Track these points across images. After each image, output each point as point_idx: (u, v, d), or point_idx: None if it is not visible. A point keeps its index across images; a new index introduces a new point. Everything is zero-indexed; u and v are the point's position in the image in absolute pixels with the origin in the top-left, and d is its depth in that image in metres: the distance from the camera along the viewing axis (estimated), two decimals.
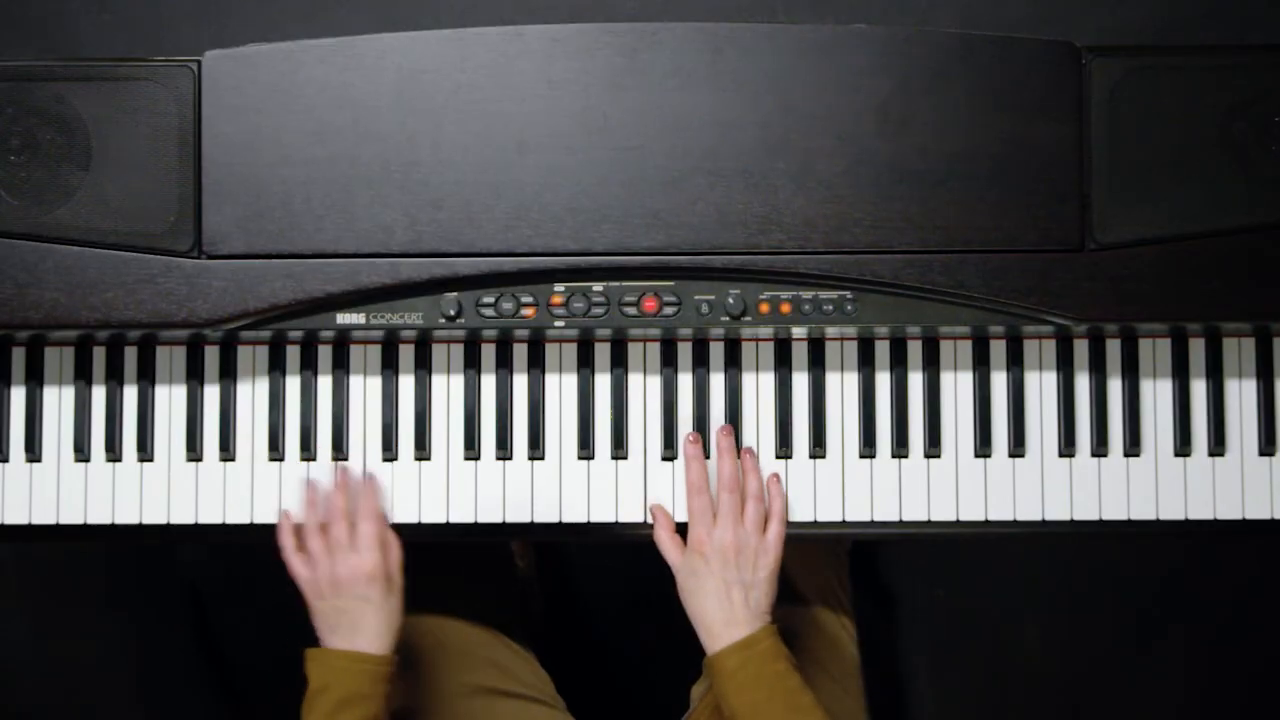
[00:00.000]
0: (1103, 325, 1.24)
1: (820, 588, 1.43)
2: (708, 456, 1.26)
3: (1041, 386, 1.29)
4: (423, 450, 1.28)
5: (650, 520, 1.26)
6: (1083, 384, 1.29)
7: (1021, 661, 1.98)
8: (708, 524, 1.20)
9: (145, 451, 1.28)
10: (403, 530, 1.26)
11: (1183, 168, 1.19)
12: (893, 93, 1.19)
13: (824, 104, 1.19)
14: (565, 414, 1.28)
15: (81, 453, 1.28)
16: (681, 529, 1.24)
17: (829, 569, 1.46)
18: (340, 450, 1.27)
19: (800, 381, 1.28)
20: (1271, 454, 1.28)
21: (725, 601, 1.17)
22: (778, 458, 1.28)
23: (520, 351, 1.29)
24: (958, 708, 1.99)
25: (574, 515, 1.28)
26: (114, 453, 1.28)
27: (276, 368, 1.28)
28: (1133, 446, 1.28)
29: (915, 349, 1.29)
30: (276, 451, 1.28)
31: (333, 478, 1.25)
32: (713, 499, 1.22)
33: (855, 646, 1.42)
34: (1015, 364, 1.28)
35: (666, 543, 1.22)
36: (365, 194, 1.19)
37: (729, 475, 1.22)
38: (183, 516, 1.27)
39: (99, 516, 1.27)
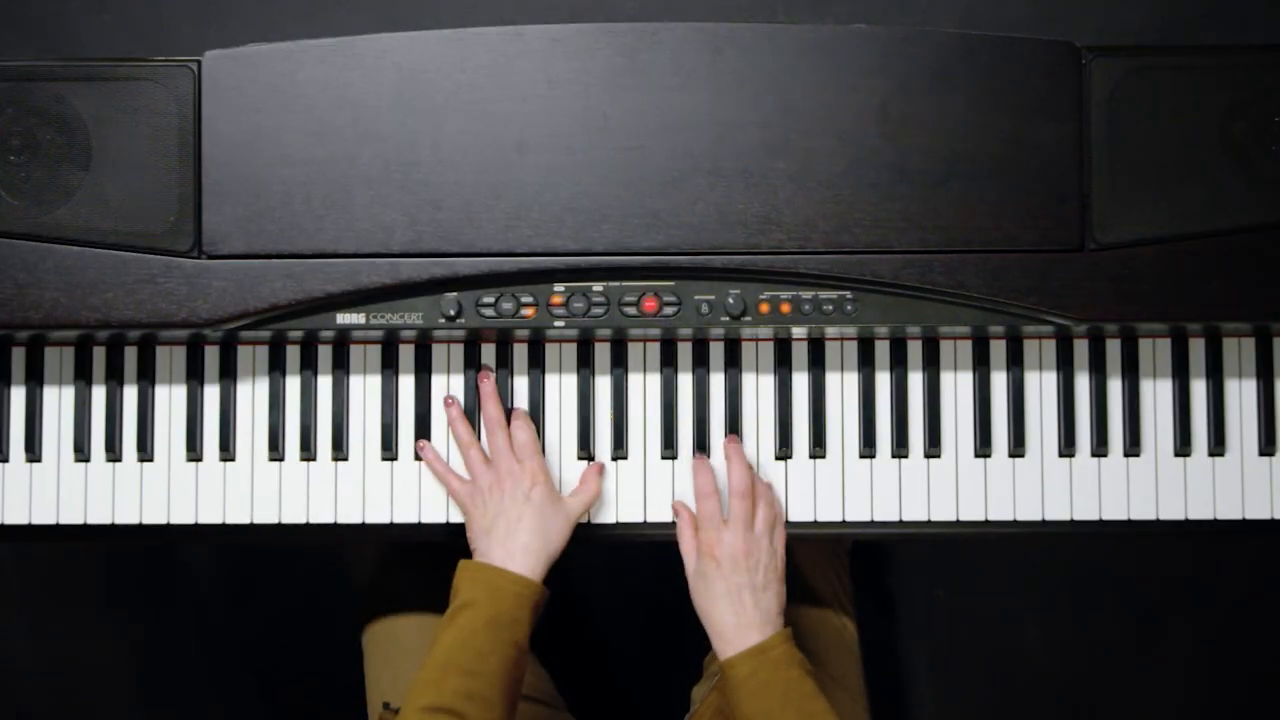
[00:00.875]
0: (1103, 325, 1.24)
1: (821, 588, 1.43)
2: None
3: (1041, 386, 1.29)
4: None
5: (647, 519, 1.26)
6: (1083, 384, 1.29)
7: (1021, 661, 1.98)
8: (718, 528, 1.20)
9: (145, 451, 1.28)
10: (403, 530, 1.26)
11: (1183, 168, 1.19)
12: (893, 93, 1.19)
13: (824, 104, 1.19)
14: (565, 414, 1.28)
15: (81, 453, 1.28)
16: None
17: (829, 569, 1.46)
18: (340, 450, 1.27)
19: (800, 381, 1.28)
20: (1271, 454, 1.28)
21: (737, 605, 1.16)
22: (778, 458, 1.28)
23: (520, 351, 1.29)
24: (958, 708, 1.99)
25: None
26: (114, 453, 1.28)
27: (276, 368, 1.28)
28: (1133, 446, 1.28)
29: (915, 349, 1.29)
30: (276, 451, 1.28)
31: (481, 389, 1.25)
32: (721, 503, 1.22)
33: (856, 647, 1.42)
34: (1015, 364, 1.28)
35: (688, 543, 1.22)
36: (365, 194, 1.19)
37: (741, 481, 1.22)
38: (183, 516, 1.27)
39: (99, 516, 1.27)
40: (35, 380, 1.28)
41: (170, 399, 1.29)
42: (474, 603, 1.14)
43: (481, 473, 1.22)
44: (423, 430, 1.28)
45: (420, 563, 1.42)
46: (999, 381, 1.29)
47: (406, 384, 1.28)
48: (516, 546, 1.17)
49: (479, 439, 1.26)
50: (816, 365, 1.28)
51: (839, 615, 1.42)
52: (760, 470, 1.27)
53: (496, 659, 1.11)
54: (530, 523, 1.19)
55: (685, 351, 1.29)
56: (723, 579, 1.17)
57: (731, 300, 1.21)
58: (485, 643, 1.11)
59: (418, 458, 1.27)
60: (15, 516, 1.27)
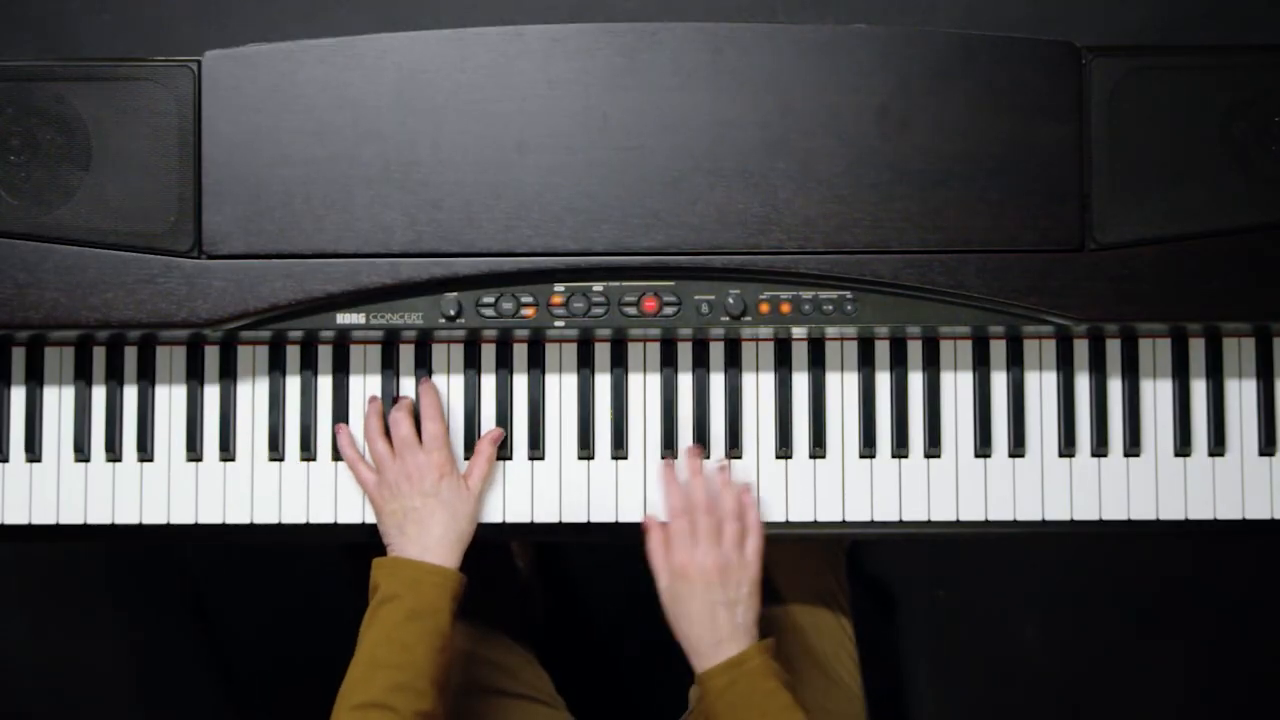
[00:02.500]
0: (1103, 325, 1.24)
1: (818, 589, 1.43)
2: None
3: (1041, 386, 1.29)
4: None
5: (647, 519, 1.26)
6: (1083, 384, 1.29)
7: (1021, 661, 1.98)
8: (689, 546, 1.19)
9: (145, 451, 1.28)
10: None
11: (1183, 168, 1.19)
12: (893, 93, 1.19)
13: (824, 104, 1.19)
14: (565, 414, 1.28)
15: (81, 453, 1.28)
16: None
17: (827, 570, 1.46)
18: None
19: (800, 381, 1.28)
20: (1271, 454, 1.28)
21: (712, 622, 1.16)
22: (778, 458, 1.28)
23: (520, 351, 1.29)
24: (958, 708, 1.99)
25: (574, 515, 1.28)
26: (114, 453, 1.28)
27: (276, 368, 1.29)
28: (1133, 446, 1.28)
29: (915, 349, 1.29)
30: (276, 451, 1.28)
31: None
32: (692, 521, 1.20)
33: (854, 646, 1.42)
34: (1015, 364, 1.28)
35: (660, 559, 1.20)
36: (365, 194, 1.19)
37: (703, 498, 1.21)
38: (183, 516, 1.27)
39: (99, 516, 1.27)
40: (35, 380, 1.28)
41: (170, 399, 1.29)
42: (395, 597, 1.15)
43: (388, 465, 1.22)
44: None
45: None
46: (999, 381, 1.29)
47: (407, 384, 1.28)
48: (431, 541, 1.19)
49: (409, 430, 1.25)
50: (816, 365, 1.28)
51: (835, 614, 1.42)
52: (760, 470, 1.27)
53: (422, 650, 1.12)
54: (441, 515, 1.20)
55: (685, 351, 1.29)
56: (696, 598, 1.17)
57: (731, 300, 1.21)
58: (409, 635, 1.13)
59: None
60: (15, 516, 1.27)
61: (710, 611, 1.16)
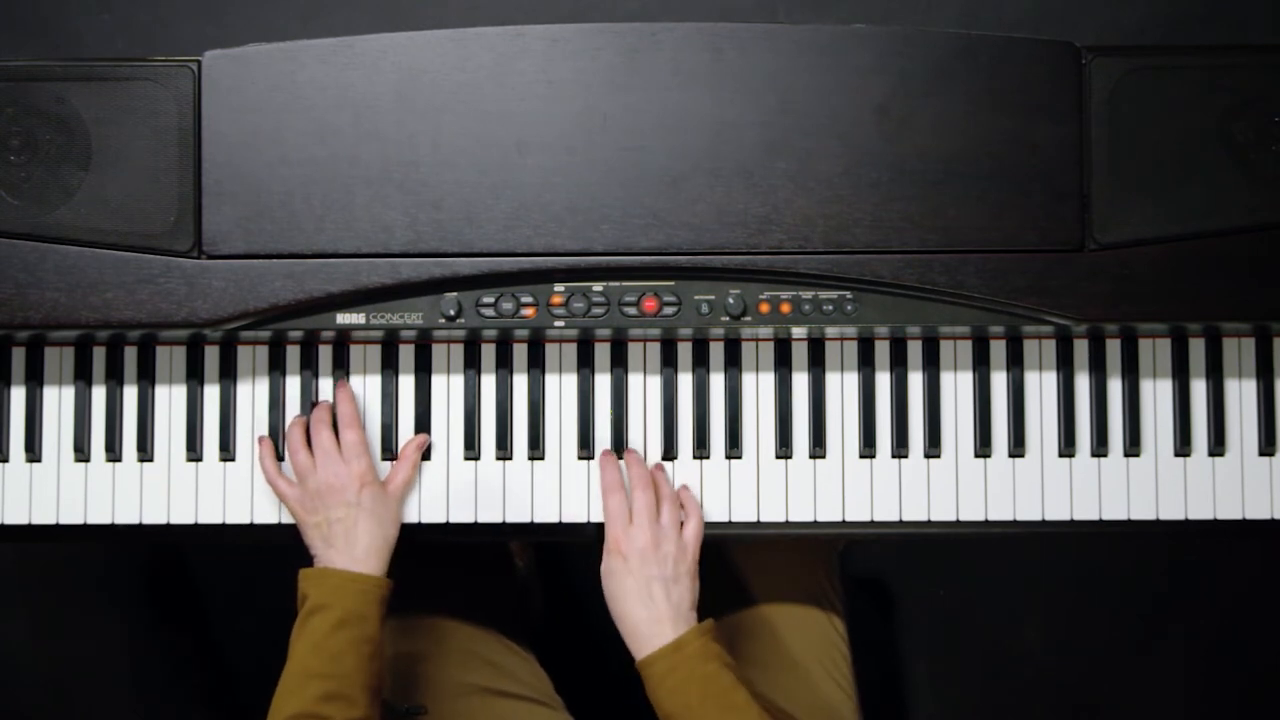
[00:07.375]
0: (1103, 325, 1.24)
1: (806, 588, 1.42)
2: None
3: (1041, 386, 1.29)
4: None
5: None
6: (1083, 384, 1.29)
7: (1021, 661, 1.98)
8: (624, 523, 1.20)
9: (145, 451, 1.28)
10: (403, 530, 1.26)
11: (1183, 168, 1.19)
12: (893, 93, 1.19)
13: (824, 104, 1.19)
14: (565, 414, 1.28)
15: (81, 453, 1.28)
16: None
17: (817, 569, 1.46)
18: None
19: (800, 381, 1.28)
20: (1271, 454, 1.28)
21: (647, 600, 1.17)
22: (778, 458, 1.28)
23: (520, 351, 1.29)
24: (958, 708, 1.99)
25: (574, 515, 1.28)
26: (114, 453, 1.28)
27: (276, 368, 1.29)
28: (1133, 446, 1.28)
29: (915, 349, 1.29)
30: (277, 452, 1.27)
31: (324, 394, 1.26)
32: (628, 499, 1.22)
33: (846, 646, 1.42)
34: (1015, 364, 1.28)
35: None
36: (365, 194, 1.19)
37: (640, 475, 1.22)
38: (183, 516, 1.27)
39: (99, 516, 1.27)
40: (35, 380, 1.28)
41: (170, 399, 1.29)
42: (323, 607, 1.15)
43: (309, 477, 1.22)
44: (423, 430, 1.28)
45: (427, 563, 1.42)
46: (999, 381, 1.29)
47: (406, 384, 1.28)
48: (360, 551, 1.19)
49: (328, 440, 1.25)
50: (816, 365, 1.28)
51: (826, 614, 1.42)
52: (760, 470, 1.27)
53: (351, 658, 1.13)
54: (366, 525, 1.20)
55: (685, 351, 1.29)
56: (631, 575, 1.18)
57: (731, 300, 1.21)
58: (338, 644, 1.13)
59: (425, 457, 1.27)
60: (15, 516, 1.27)
61: (646, 588, 1.17)
